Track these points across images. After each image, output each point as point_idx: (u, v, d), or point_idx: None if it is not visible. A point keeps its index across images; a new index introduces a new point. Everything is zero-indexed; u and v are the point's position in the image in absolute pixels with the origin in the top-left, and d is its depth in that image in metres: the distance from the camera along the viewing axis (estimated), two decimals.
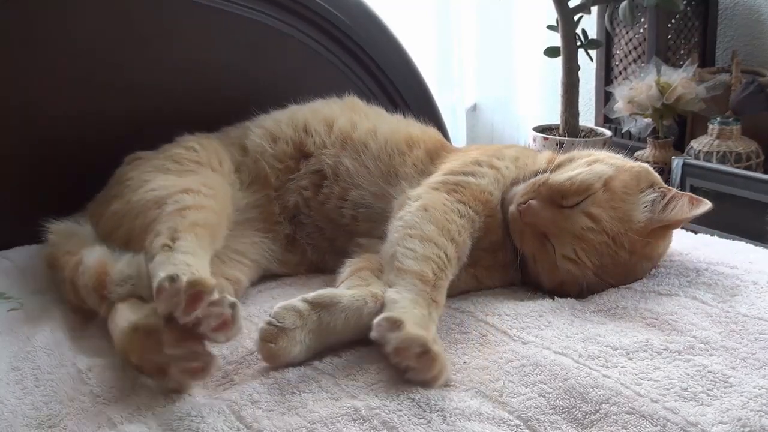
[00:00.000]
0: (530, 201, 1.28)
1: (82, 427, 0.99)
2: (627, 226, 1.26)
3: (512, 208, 1.31)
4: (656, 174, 1.34)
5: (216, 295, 1.05)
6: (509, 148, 1.49)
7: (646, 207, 1.27)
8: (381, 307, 1.13)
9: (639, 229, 1.26)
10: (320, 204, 1.49)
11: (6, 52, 1.59)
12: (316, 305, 1.12)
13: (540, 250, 1.29)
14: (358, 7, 1.96)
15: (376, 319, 1.06)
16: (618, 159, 1.37)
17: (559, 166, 1.36)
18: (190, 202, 1.32)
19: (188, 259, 1.14)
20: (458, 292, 1.31)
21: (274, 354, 1.09)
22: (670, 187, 1.31)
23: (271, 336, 1.09)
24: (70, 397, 1.06)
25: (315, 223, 1.50)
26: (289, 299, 1.13)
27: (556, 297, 1.27)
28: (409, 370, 1.03)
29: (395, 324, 1.04)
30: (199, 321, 1.03)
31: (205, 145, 1.56)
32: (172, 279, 1.04)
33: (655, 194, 1.28)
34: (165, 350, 1.05)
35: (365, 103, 1.67)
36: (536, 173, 1.36)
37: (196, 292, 1.03)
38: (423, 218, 1.27)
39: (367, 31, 1.96)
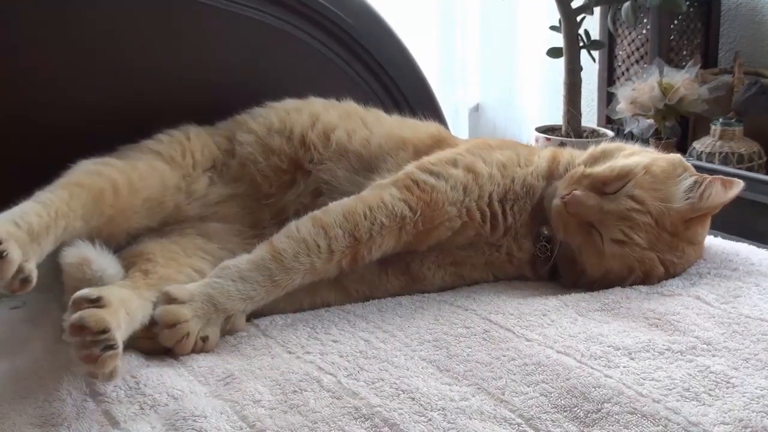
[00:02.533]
0: (574, 191, 1.30)
1: (85, 425, 0.99)
2: (668, 208, 1.28)
3: (556, 200, 1.32)
4: (688, 162, 1.38)
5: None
6: (504, 150, 1.44)
7: (685, 191, 1.29)
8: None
9: (681, 212, 1.28)
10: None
11: (7, 48, 1.59)
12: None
13: (586, 240, 1.30)
14: (361, 7, 1.96)
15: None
16: (653, 152, 1.41)
17: (596, 159, 1.38)
18: (91, 166, 1.33)
19: (28, 207, 1.17)
20: (436, 288, 1.35)
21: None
22: (702, 174, 1.33)
23: None
24: (74, 396, 1.05)
25: None
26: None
27: (559, 295, 1.28)
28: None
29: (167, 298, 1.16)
30: None
31: (175, 136, 1.51)
32: None
33: (691, 179, 1.31)
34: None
35: (363, 107, 1.64)
36: (550, 170, 1.39)
37: None
38: (342, 207, 1.29)
39: (370, 32, 1.96)
